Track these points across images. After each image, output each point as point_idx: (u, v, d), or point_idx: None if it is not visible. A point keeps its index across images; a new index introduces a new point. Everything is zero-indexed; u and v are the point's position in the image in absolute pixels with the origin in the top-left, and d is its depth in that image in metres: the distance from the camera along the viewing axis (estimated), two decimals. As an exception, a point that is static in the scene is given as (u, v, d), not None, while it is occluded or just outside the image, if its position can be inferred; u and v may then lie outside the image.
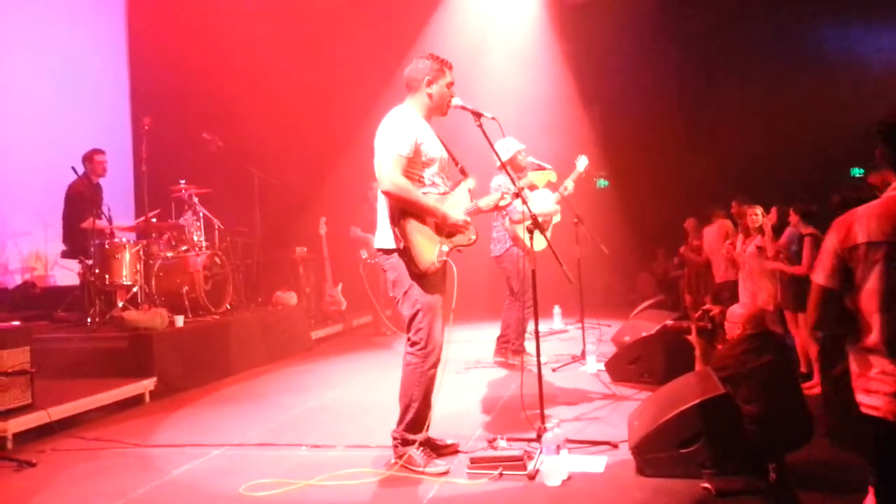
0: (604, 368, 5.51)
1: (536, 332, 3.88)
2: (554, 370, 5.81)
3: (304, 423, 4.63)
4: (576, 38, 11.50)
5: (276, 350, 6.94)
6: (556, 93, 10.83)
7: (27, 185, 7.48)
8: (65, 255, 6.73)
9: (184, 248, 6.84)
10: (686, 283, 8.81)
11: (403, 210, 3.43)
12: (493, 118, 3.65)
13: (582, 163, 6.10)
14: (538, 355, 3.90)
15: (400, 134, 3.44)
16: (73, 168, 6.32)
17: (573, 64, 11.18)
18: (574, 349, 6.32)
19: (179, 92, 8.31)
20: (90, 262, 6.17)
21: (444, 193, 3.61)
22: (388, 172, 3.39)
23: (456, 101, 3.66)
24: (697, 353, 4.95)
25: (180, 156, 7.69)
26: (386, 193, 3.44)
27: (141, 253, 6.39)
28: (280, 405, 5.17)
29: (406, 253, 3.43)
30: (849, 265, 2.25)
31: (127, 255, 6.27)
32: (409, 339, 3.54)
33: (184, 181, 7.00)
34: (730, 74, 10.73)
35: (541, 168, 6.01)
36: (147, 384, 5.36)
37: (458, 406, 4.77)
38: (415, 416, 3.50)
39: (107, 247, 6.23)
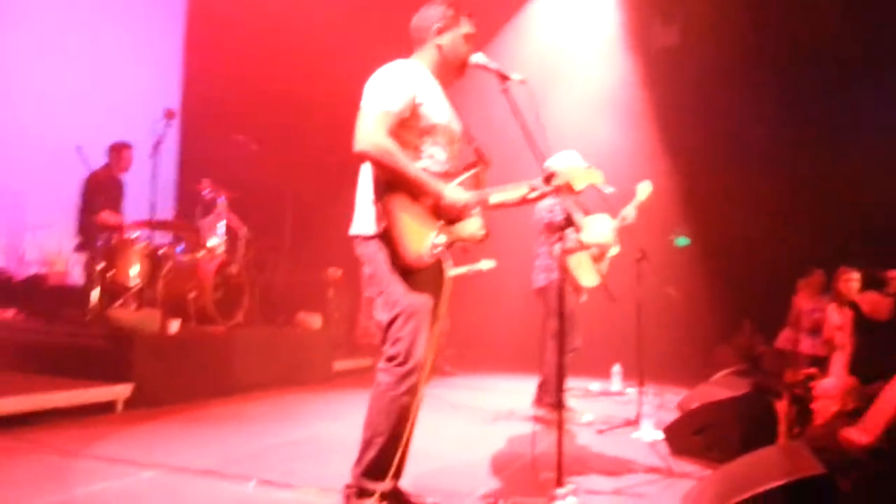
0: (662, 438, 4.44)
1: (559, 369, 2.93)
2: (600, 432, 4.78)
3: (273, 455, 3.77)
4: (661, 83, 10.65)
5: (286, 375, 6.14)
6: (636, 141, 9.95)
7: (55, 176, 7.05)
8: (77, 248, 6.24)
9: (202, 252, 6.24)
10: None
11: (388, 182, 2.58)
12: (521, 80, 2.79)
13: (643, 189, 5.18)
14: (559, 402, 2.88)
15: (392, 87, 2.62)
16: (77, 148, 5.81)
17: (656, 112, 10.30)
18: (630, 413, 5.27)
19: (229, 91, 7.87)
20: (96, 256, 5.64)
21: (448, 174, 2.73)
22: (368, 129, 2.54)
23: (477, 57, 2.82)
24: (781, 428, 3.95)
25: (221, 158, 7.14)
26: (362, 154, 2.57)
27: (146, 252, 5.80)
28: (259, 432, 4.37)
29: (388, 237, 2.57)
30: None
31: (135, 254, 5.72)
32: (383, 354, 2.65)
33: (207, 180, 6.43)
34: (836, 126, 9.48)
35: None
36: (120, 390, 4.65)
37: (465, 460, 3.83)
38: (377, 457, 2.58)
39: (114, 242, 5.69)
